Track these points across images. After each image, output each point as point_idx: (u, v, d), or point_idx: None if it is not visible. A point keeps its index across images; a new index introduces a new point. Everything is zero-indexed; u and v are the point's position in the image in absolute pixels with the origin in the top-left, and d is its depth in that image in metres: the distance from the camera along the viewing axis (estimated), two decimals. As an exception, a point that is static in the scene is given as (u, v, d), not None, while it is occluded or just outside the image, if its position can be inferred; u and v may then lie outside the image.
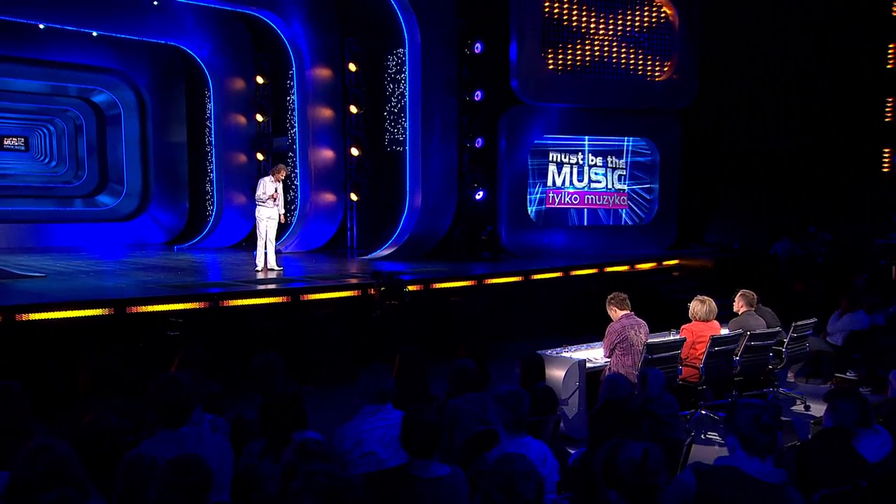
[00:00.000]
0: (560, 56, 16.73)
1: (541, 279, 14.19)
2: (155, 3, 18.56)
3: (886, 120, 17.31)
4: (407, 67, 16.66)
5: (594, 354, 8.44)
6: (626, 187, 18.11)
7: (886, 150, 17.31)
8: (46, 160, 22.50)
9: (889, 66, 17.22)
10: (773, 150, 17.53)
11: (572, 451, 5.94)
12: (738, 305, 9.36)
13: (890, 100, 17.28)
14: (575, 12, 16.83)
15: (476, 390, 6.50)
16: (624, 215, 18.21)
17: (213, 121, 21.07)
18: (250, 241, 20.77)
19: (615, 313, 8.30)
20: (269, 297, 11.30)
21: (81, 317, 9.46)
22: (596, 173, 17.82)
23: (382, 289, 11.84)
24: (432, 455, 3.83)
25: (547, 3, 16.54)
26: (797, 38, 17.22)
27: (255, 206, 20.72)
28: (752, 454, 3.35)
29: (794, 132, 17.46)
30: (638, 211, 18.27)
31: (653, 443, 5.93)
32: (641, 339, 8.14)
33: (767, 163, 17.60)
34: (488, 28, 16.34)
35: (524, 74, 16.28)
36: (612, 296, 8.45)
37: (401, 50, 17.47)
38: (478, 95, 16.34)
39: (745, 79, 17.85)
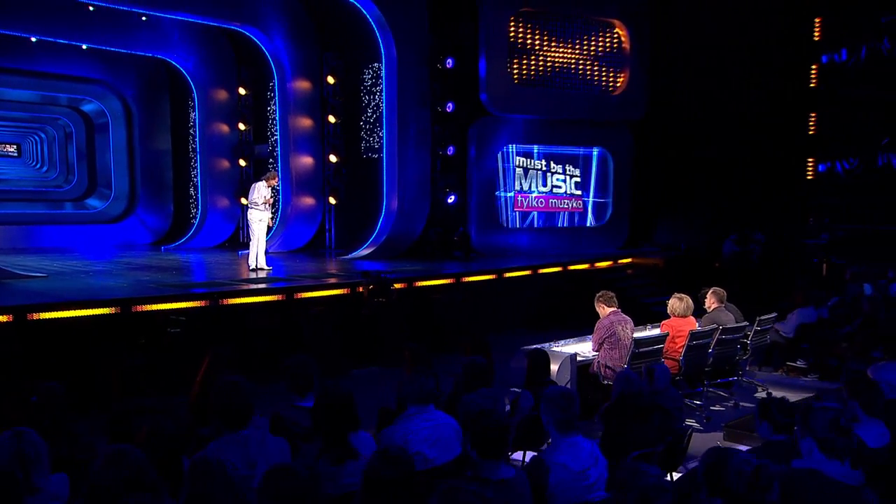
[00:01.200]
0: (525, 72, 16.53)
1: (512, 277, 13.94)
2: (143, 18, 17.87)
3: (810, 133, 17.53)
4: (384, 81, 16.28)
5: (583, 348, 8.19)
6: (581, 193, 17.96)
7: (810, 160, 17.51)
8: (38, 165, 21.54)
9: (812, 85, 17.42)
10: (714, 159, 17.58)
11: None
12: (710, 302, 9.19)
13: (813, 115, 17.49)
14: (538, 34, 16.67)
15: (488, 385, 6.20)
16: (581, 218, 18.05)
17: (197, 129, 20.40)
18: (233, 242, 20.25)
19: (603, 310, 8.05)
20: (265, 295, 10.84)
21: (90, 316, 8.91)
22: (557, 179, 17.64)
23: (371, 287, 11.48)
24: (501, 457, 3.50)
25: (512, 27, 16.37)
26: (735, 60, 17.29)
27: (237, 209, 20.43)
28: (831, 457, 3.08)
29: (733, 143, 17.53)
30: (594, 214, 18.14)
31: (665, 433, 5.70)
32: (628, 334, 7.93)
33: (709, 170, 17.65)
34: (459, 45, 16.09)
35: (492, 88, 16.04)
36: (600, 294, 8.18)
37: (376, 64, 17.15)
38: (449, 107, 16.11)
39: (690, 95, 17.86)
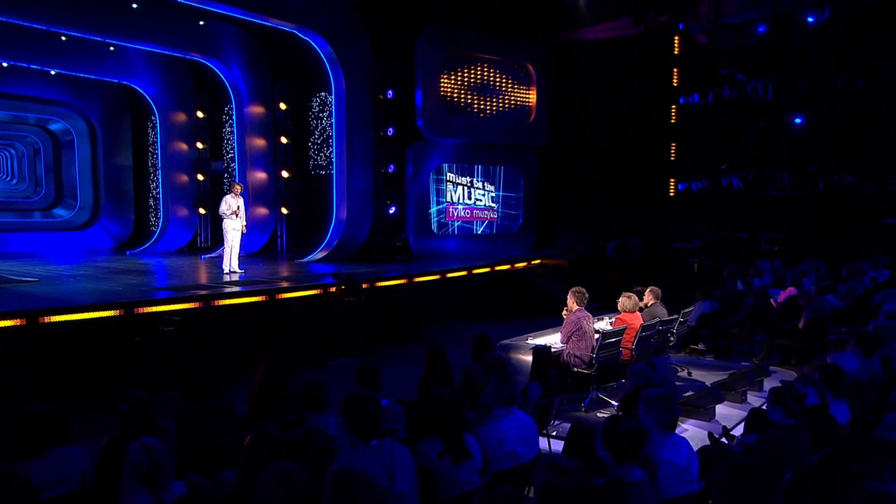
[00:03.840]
0: (454, 103, 16.12)
1: (453, 276, 13.46)
2: (111, 48, 16.31)
3: (671, 159, 17.99)
4: (333, 107, 15.42)
5: (554, 340, 7.77)
6: (497, 205, 17.70)
7: (672, 180, 17.96)
8: (8, 178, 19.17)
9: (672, 121, 17.90)
10: (602, 177, 17.74)
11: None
12: (648, 298, 8.91)
13: (673, 145, 17.97)
14: (465, 72, 16.33)
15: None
16: (497, 226, 17.77)
17: (159, 147, 18.81)
18: (191, 247, 18.87)
19: (573, 305, 7.60)
20: (251, 296, 9.89)
21: (97, 318, 7.82)
22: (479, 193, 17.29)
23: (343, 287, 10.74)
24: (635, 460, 3.01)
25: (443, 65, 15.93)
26: (616, 99, 17.53)
27: (195, 218, 19.04)
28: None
29: (615, 165, 17.75)
30: (508, 222, 17.91)
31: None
32: (591, 327, 7.53)
33: (598, 187, 17.78)
34: (398, 78, 15.46)
35: (427, 116, 15.56)
36: (577, 289, 7.56)
37: (323, 93, 16.33)
38: (390, 131, 15.44)
39: (583, 126, 17.96)
